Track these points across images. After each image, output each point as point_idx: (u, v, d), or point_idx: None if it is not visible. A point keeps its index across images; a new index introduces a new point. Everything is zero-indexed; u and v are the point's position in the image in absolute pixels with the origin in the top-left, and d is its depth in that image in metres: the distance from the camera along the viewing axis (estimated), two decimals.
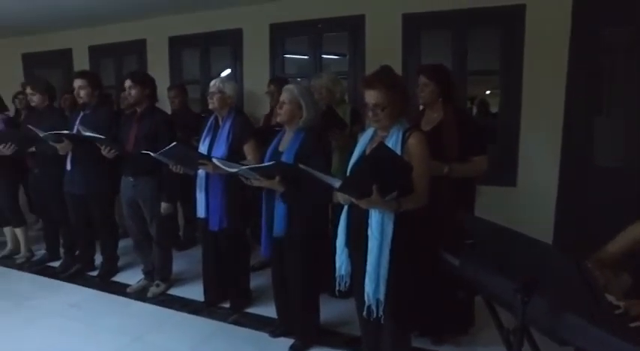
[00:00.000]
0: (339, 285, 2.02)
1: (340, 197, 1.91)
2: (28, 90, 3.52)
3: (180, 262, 3.69)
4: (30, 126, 3.24)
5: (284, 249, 2.41)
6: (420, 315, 2.30)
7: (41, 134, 3.12)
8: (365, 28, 3.93)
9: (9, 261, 3.99)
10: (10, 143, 3.42)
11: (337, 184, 1.69)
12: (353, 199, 1.74)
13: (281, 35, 4.30)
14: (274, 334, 2.64)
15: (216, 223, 2.75)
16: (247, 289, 3.05)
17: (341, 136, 2.89)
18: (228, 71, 4.72)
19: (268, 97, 3.79)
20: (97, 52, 5.31)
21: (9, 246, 4.11)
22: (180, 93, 4.20)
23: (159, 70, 4.62)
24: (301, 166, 1.78)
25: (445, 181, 2.16)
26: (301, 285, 2.41)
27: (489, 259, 1.64)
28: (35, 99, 3.49)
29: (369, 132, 1.97)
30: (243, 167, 2.27)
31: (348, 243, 1.98)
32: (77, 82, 3.24)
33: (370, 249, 1.79)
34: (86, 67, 5.17)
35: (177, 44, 4.79)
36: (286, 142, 2.38)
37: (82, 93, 3.22)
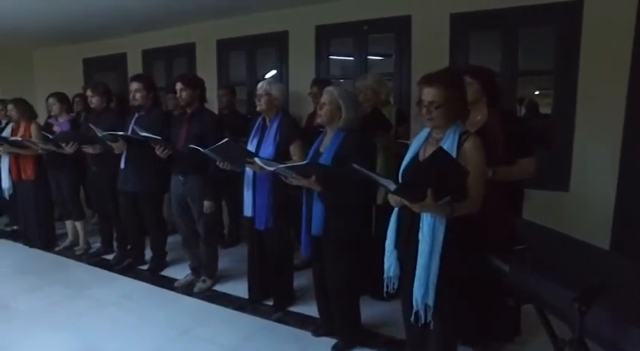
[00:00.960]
0: (387, 287, 1.99)
1: (392, 199, 1.89)
2: (89, 92, 3.73)
3: (226, 260, 3.78)
4: (91, 125, 3.44)
5: (322, 248, 2.43)
6: (469, 322, 2.25)
7: (100, 134, 3.30)
8: (411, 29, 3.88)
9: (69, 252, 4.25)
10: (72, 142, 3.65)
11: (391, 186, 1.68)
12: (406, 202, 1.72)
13: (326, 37, 4.31)
14: (317, 333, 2.66)
15: (262, 223, 2.81)
16: (291, 287, 3.09)
17: (386, 138, 2.87)
18: (273, 72, 4.80)
19: (311, 98, 3.81)
20: (149, 56, 5.54)
21: (69, 238, 4.38)
22: (229, 92, 4.32)
23: (207, 72, 4.75)
24: (355, 166, 1.78)
25: (491, 185, 2.09)
26: (340, 285, 2.42)
27: (543, 266, 1.58)
28: (94, 101, 3.70)
29: (423, 133, 1.94)
30: (280, 166, 2.31)
31: (398, 245, 1.96)
32: (133, 86, 3.39)
33: (420, 252, 1.76)
34: (139, 70, 5.43)
35: (225, 47, 4.92)
36: (327, 143, 2.41)
37: (138, 96, 3.37)
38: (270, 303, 3.05)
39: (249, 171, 2.82)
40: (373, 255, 2.67)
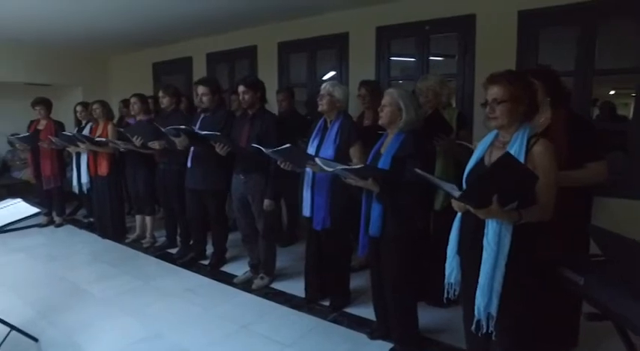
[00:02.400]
0: (448, 293, 1.95)
1: (455, 204, 1.84)
2: (160, 93, 3.95)
3: (284, 258, 3.86)
4: (155, 123, 3.65)
5: (380, 250, 2.41)
6: (534, 333, 2.14)
7: (163, 129, 3.49)
8: (475, 28, 3.76)
9: (137, 244, 4.53)
10: (137, 137, 3.88)
11: (455, 191, 1.63)
12: (470, 208, 1.67)
13: (387, 38, 4.28)
14: (372, 336, 2.64)
15: (319, 223, 2.83)
16: (347, 289, 3.09)
17: (446, 141, 2.79)
18: (332, 73, 4.83)
19: (360, 100, 3.75)
20: (213, 59, 5.76)
21: (137, 231, 4.66)
22: (288, 96, 4.38)
23: (268, 73, 4.88)
24: (418, 170, 1.76)
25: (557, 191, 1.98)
26: (396, 287, 2.39)
27: (626, 281, 1.47)
28: (165, 101, 3.91)
29: (488, 137, 1.87)
30: (338, 167, 2.33)
31: (460, 251, 1.90)
32: (200, 90, 3.52)
33: (484, 260, 1.70)
34: (204, 72, 5.66)
35: (286, 49, 5.01)
36: (387, 145, 2.40)
37: (205, 99, 3.51)
38: (326, 303, 3.06)
39: (309, 171, 2.85)
40: (431, 260, 2.63)
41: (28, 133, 5.10)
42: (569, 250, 1.98)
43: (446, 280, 1.95)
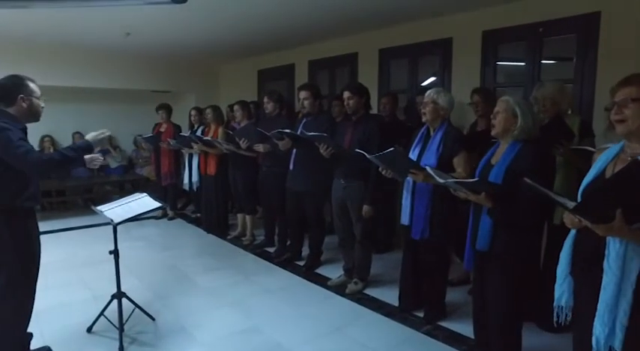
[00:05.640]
0: (558, 317, 1.78)
1: (567, 219, 1.68)
2: (265, 99, 4.18)
3: (378, 265, 3.84)
4: (259, 129, 3.89)
5: (486, 265, 2.27)
6: None
7: (268, 133, 3.69)
8: (599, 27, 3.40)
9: (237, 241, 4.83)
10: (244, 139, 4.14)
11: (569, 203, 1.48)
12: (587, 223, 1.50)
13: (494, 42, 4.06)
14: None
15: (418, 232, 2.77)
16: (443, 302, 2.99)
17: (567, 150, 2.56)
18: (432, 79, 4.71)
19: (472, 108, 3.60)
20: (314, 66, 5.94)
21: (238, 229, 4.97)
22: (391, 101, 4.36)
23: (368, 80, 4.88)
24: (527, 180, 1.62)
25: None
26: (501, 306, 2.23)
27: None
28: (269, 107, 4.13)
29: (612, 149, 1.66)
30: (450, 179, 2.23)
31: (573, 272, 1.73)
32: (302, 94, 3.68)
33: (605, 285, 1.51)
34: (306, 79, 5.87)
35: (387, 55, 4.99)
36: (499, 155, 2.24)
37: (306, 103, 3.66)
38: (420, 314, 2.99)
39: (409, 178, 2.81)
40: (544, 278, 2.42)
41: (152, 134, 5.74)
42: None
43: (555, 303, 1.78)
